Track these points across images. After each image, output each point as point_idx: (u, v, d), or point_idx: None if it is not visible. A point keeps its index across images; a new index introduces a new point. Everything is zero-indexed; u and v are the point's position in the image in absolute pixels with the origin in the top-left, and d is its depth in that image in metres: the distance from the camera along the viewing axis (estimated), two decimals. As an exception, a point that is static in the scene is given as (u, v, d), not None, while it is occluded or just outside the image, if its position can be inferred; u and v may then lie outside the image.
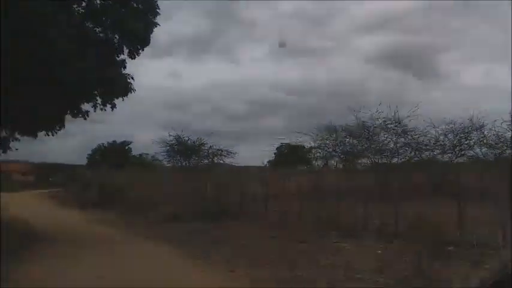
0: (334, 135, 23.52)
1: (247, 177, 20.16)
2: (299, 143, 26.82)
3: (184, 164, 25.54)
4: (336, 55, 79.49)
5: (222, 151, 25.18)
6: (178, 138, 25.38)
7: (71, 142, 74.59)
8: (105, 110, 11.59)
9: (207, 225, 14.20)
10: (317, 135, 23.09)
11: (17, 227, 12.98)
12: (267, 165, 32.93)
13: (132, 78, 11.73)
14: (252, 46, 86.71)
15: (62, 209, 21.58)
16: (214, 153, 25.14)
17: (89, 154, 50.04)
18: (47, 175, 60.28)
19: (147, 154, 43.97)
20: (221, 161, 25.21)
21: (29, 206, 21.89)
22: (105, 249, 10.76)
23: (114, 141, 50.27)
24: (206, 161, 25.45)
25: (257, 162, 28.50)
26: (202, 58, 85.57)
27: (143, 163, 41.96)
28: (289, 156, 46.12)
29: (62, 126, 11.83)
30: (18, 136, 11.90)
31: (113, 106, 11.55)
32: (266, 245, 10.78)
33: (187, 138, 25.53)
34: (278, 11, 78.16)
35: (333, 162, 25.85)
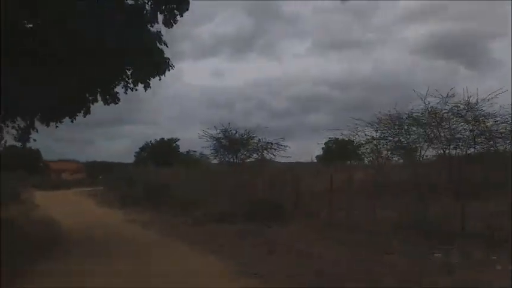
0: (397, 124, 20.59)
1: (302, 173, 17.78)
2: (350, 137, 23.95)
3: (231, 159, 23.72)
4: (380, 47, 75.54)
5: (272, 144, 23.06)
6: (225, 131, 23.57)
7: (122, 143, 75.38)
8: (137, 89, 9.68)
9: (259, 227, 12.04)
10: (379, 124, 20.29)
11: (40, 228, 11.40)
12: (316, 161, 30.26)
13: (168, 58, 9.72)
14: (294, 42, 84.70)
15: (99, 208, 20.25)
16: (263, 147, 23.10)
17: (136, 152, 49.52)
18: (96, 174, 60.80)
19: (194, 151, 42.85)
20: (271, 155, 23.13)
21: (66, 205, 20.82)
22: (130, 259, 8.71)
23: (162, 139, 49.54)
24: (255, 156, 23.51)
25: (304, 158, 25.94)
26: (245, 56, 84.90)
27: (190, 160, 40.69)
28: (338, 151, 43.61)
29: (88, 111, 10.00)
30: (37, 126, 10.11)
31: (147, 86, 9.58)
32: (336, 254, 8.42)
33: (234, 132, 23.64)
34: (320, 4, 75.35)
35: (385, 155, 22.65)
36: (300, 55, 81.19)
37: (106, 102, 10.09)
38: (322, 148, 47.84)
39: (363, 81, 73.93)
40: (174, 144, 49.76)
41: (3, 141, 15.73)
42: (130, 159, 52.00)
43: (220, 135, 23.56)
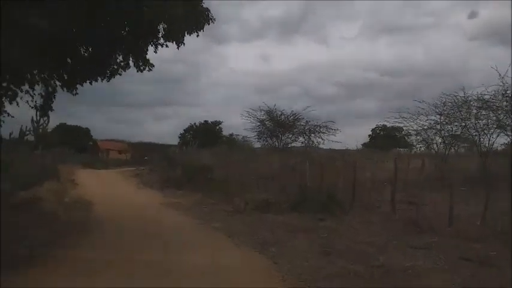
0: (465, 108, 17.97)
1: (356, 159, 15.81)
2: (396, 124, 21.40)
3: (276, 143, 22.04)
4: (434, 32, 70.32)
5: (320, 127, 21.14)
6: (270, 113, 21.83)
7: (168, 124, 75.62)
8: (167, 46, 8.09)
9: (309, 220, 10.32)
10: (444, 107, 17.79)
11: (68, 210, 10.30)
12: (361, 148, 28.02)
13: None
14: (343, 25, 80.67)
15: (139, 189, 19.25)
16: (311, 130, 21.24)
17: (180, 134, 49.04)
18: (142, 154, 61.15)
19: (238, 135, 41.67)
20: (320, 139, 21.21)
21: (106, 184, 20.04)
22: (158, 251, 7.30)
23: (206, 121, 48.71)
24: (301, 140, 21.72)
25: (350, 146, 23.99)
26: (292, 40, 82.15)
27: (233, 143, 39.54)
28: (385, 138, 40.93)
29: (113, 74, 8.51)
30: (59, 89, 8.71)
31: (180, 42, 7.95)
32: (421, 262, 6.56)
33: (279, 113, 21.84)
34: None
35: (436, 144, 19.88)
36: (348, 39, 77.23)
37: (139, 68, 8.61)
38: (369, 135, 45.30)
39: (414, 67, 69.36)
40: (218, 127, 48.82)
41: (45, 120, 14.96)
42: (176, 140, 51.72)
43: (264, 117, 21.89)
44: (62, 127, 57.98)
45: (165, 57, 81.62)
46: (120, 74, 8.72)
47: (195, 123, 48.70)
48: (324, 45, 79.53)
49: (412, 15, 74.49)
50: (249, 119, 21.97)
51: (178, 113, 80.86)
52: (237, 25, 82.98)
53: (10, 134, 21.25)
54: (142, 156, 61.47)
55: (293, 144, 21.99)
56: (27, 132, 21.31)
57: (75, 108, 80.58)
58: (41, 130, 21.92)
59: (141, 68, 8.69)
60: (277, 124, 21.74)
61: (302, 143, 21.46)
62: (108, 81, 8.30)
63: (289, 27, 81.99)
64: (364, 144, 38.05)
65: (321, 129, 21.02)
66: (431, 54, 65.95)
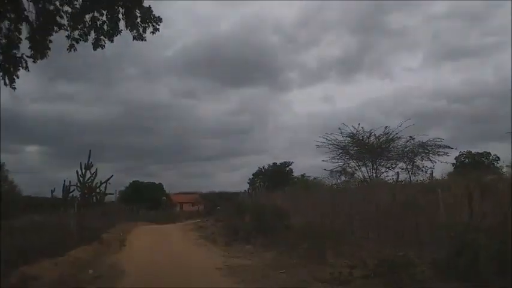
0: None
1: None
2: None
3: (367, 173, 16.50)
4: (502, 51, 61.53)
5: (427, 147, 15.28)
6: (353, 136, 16.57)
7: (238, 174, 73.85)
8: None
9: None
10: None
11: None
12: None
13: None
14: (405, 56, 75.13)
15: (199, 246, 14.64)
16: (415, 152, 15.47)
17: (249, 179, 44.94)
18: (215, 204, 57.78)
19: (309, 176, 36.82)
20: (429, 160, 15.26)
21: (161, 242, 15.83)
22: None
23: (275, 163, 44.32)
24: (401, 165, 15.91)
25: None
26: (353, 77, 79.39)
27: (307, 183, 34.49)
28: (472, 166, 34.14)
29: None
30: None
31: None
32: None
33: (367, 135, 16.43)
34: (429, 13, 64.94)
35: None
36: (412, 69, 71.00)
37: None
38: (453, 164, 38.31)
39: (484, 90, 60.95)
40: (287, 168, 44.17)
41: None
42: (245, 187, 47.86)
43: (347, 141, 16.73)
44: (135, 184, 56.73)
45: (231, 109, 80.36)
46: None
47: (263, 167, 44.46)
48: (387, 79, 74.68)
49: (476, 36, 66.78)
50: (326, 146, 16.88)
51: (247, 162, 78.48)
52: (297, 70, 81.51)
53: (52, 192, 18.39)
54: (214, 206, 58.24)
55: (386, 173, 16.37)
56: (73, 188, 18.29)
57: (149, 168, 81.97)
58: (87, 185, 18.89)
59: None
60: (365, 147, 16.33)
61: (403, 169, 15.67)
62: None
63: (349, 66, 78.45)
64: (449, 174, 31.60)
65: (429, 149, 15.26)
66: (502, 74, 57.41)
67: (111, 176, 20.38)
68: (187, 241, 16.06)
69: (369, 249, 8.04)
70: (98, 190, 18.98)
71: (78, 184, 18.09)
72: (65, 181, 17.92)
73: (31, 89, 61.72)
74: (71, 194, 17.77)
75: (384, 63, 74.24)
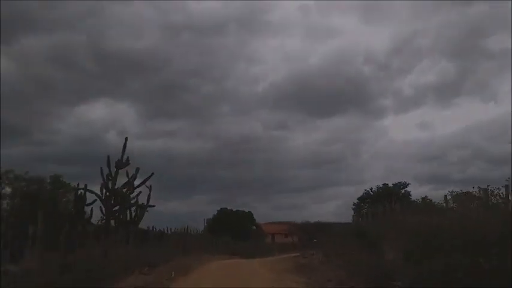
0: None
1: None
2: None
3: None
4: None
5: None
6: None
7: (331, 204, 70.54)
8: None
9: None
10: None
11: None
12: None
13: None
14: (509, 77, 64.17)
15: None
16: None
17: (354, 204, 35.73)
18: (310, 235, 48.98)
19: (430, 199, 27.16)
20: None
21: None
22: None
23: (385, 185, 34.64)
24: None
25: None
26: (452, 102, 77.46)
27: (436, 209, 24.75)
28: None
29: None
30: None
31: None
32: None
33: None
34: None
35: None
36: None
37: None
38: None
39: None
40: (403, 191, 34.28)
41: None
42: (344, 218, 39.15)
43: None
44: (223, 212, 50.72)
45: (322, 139, 78.07)
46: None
47: (371, 189, 35.06)
48: (491, 102, 66.34)
49: None
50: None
51: (340, 192, 74.23)
52: (391, 97, 79.94)
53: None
54: (310, 238, 49.61)
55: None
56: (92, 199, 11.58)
57: (240, 199, 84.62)
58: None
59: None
60: None
61: None
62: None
63: (447, 91, 72.81)
64: None
65: None
66: None
67: (152, 174, 13.39)
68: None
69: None
70: (133, 201, 12.23)
71: (105, 192, 11.51)
72: (78, 185, 11.51)
73: (136, 128, 65.49)
74: (90, 206, 11.27)
75: (487, 86, 66.52)
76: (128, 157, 12.12)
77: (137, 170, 12.43)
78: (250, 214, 53.70)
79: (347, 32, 79.04)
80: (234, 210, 52.50)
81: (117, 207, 12.07)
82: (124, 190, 12.22)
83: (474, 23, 65.94)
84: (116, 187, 11.96)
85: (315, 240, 50.55)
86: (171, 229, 23.82)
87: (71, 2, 59.24)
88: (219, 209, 51.10)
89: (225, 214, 50.40)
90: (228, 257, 21.77)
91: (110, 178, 11.94)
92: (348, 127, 77.87)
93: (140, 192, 13.15)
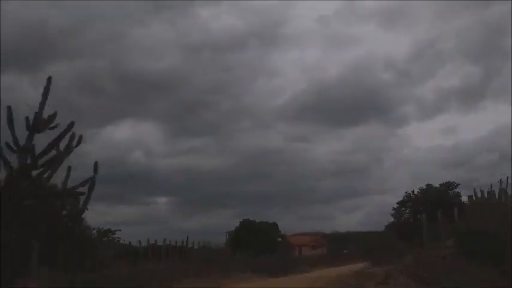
0: None
1: None
2: None
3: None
4: None
5: None
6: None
7: (359, 214, 69.52)
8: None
9: None
10: None
11: None
12: None
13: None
14: None
15: None
16: None
17: (393, 209, 30.99)
18: (342, 247, 44.32)
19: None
20: None
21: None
22: None
23: (429, 185, 29.88)
24: None
25: None
26: (478, 106, 75.44)
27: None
28: None
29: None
30: None
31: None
32: None
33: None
34: None
35: None
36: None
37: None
38: None
39: None
40: (452, 191, 29.62)
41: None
42: (371, 227, 34.78)
43: None
44: (246, 223, 46.65)
45: (345, 149, 75.61)
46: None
47: (412, 192, 30.39)
48: None
49: None
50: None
51: (366, 201, 74.67)
52: (413, 103, 79.38)
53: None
54: (340, 249, 45.02)
55: None
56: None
57: (264, 212, 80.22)
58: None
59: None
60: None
61: None
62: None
63: (471, 95, 69.77)
64: None
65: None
66: None
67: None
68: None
69: None
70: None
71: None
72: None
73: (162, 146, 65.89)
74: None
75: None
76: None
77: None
78: (274, 225, 49.36)
79: (366, 40, 77.53)
80: (257, 221, 48.38)
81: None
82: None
83: (495, 24, 63.99)
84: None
85: (345, 251, 46.08)
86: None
87: (92, 29, 59.23)
88: (241, 220, 47.06)
89: (248, 226, 46.31)
90: (250, 278, 17.53)
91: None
92: (370, 136, 76.96)
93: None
